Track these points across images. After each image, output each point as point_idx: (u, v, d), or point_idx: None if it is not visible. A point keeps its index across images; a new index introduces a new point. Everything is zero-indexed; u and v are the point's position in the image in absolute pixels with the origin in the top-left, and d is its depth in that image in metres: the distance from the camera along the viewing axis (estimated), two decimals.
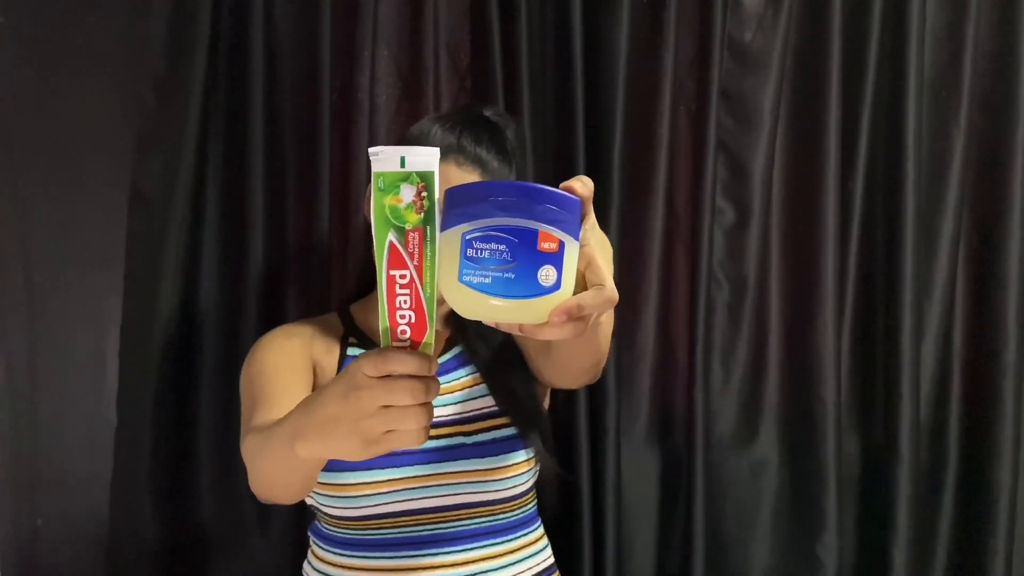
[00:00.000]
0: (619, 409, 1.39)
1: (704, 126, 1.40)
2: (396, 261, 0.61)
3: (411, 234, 0.61)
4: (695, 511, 1.40)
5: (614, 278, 0.65)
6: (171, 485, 1.32)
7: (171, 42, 1.29)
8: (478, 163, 1.02)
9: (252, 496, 1.29)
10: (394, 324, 0.62)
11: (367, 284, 1.17)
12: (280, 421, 0.78)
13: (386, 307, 0.62)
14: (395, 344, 0.63)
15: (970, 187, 1.50)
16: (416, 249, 0.61)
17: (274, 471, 0.84)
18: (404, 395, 0.61)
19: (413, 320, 0.62)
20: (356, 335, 1.10)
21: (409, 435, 0.64)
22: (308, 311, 1.31)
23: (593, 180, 1.42)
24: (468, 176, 1.01)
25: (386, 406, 0.62)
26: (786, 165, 1.48)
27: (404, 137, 1.09)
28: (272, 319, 1.32)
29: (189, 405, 1.33)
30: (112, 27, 1.32)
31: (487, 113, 1.10)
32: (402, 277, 0.61)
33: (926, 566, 1.51)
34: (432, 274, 0.62)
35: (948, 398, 1.52)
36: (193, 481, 1.33)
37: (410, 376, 0.62)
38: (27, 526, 1.34)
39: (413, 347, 0.63)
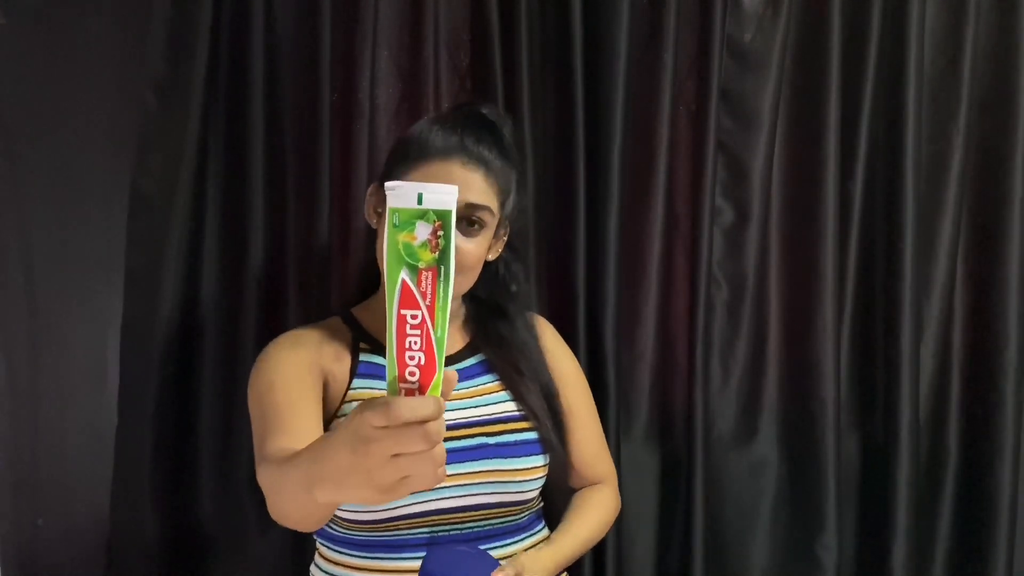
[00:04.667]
0: (619, 409, 1.39)
1: (704, 126, 1.40)
2: (408, 300, 0.60)
3: (424, 273, 0.60)
4: (695, 511, 1.40)
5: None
6: (171, 485, 1.31)
7: (171, 42, 1.28)
8: (481, 161, 1.03)
9: (252, 496, 1.31)
10: (403, 366, 0.60)
11: (368, 286, 1.17)
12: (293, 462, 0.76)
13: (395, 347, 0.60)
14: (403, 387, 0.61)
15: (970, 187, 1.50)
16: (429, 288, 0.60)
17: (293, 509, 0.83)
18: (415, 442, 0.59)
19: (422, 362, 0.60)
20: (366, 340, 1.10)
21: (425, 478, 0.62)
22: (308, 310, 1.31)
23: (593, 180, 1.43)
24: (472, 175, 1.02)
25: (397, 455, 0.61)
26: (786, 165, 1.48)
27: (403, 138, 1.10)
28: (273, 319, 1.32)
29: (189, 405, 1.33)
30: (112, 27, 1.32)
31: (484, 112, 1.10)
32: (413, 317, 0.60)
33: (926, 565, 1.51)
34: (444, 315, 0.60)
35: (947, 397, 1.52)
36: (193, 481, 1.33)
37: (419, 423, 0.59)
38: (27, 526, 1.34)
39: (421, 390, 0.61)
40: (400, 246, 0.60)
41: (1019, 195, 1.46)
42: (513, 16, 1.35)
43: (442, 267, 0.60)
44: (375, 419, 0.59)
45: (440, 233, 0.60)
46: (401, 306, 0.60)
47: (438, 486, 1.00)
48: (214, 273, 1.34)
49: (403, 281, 0.60)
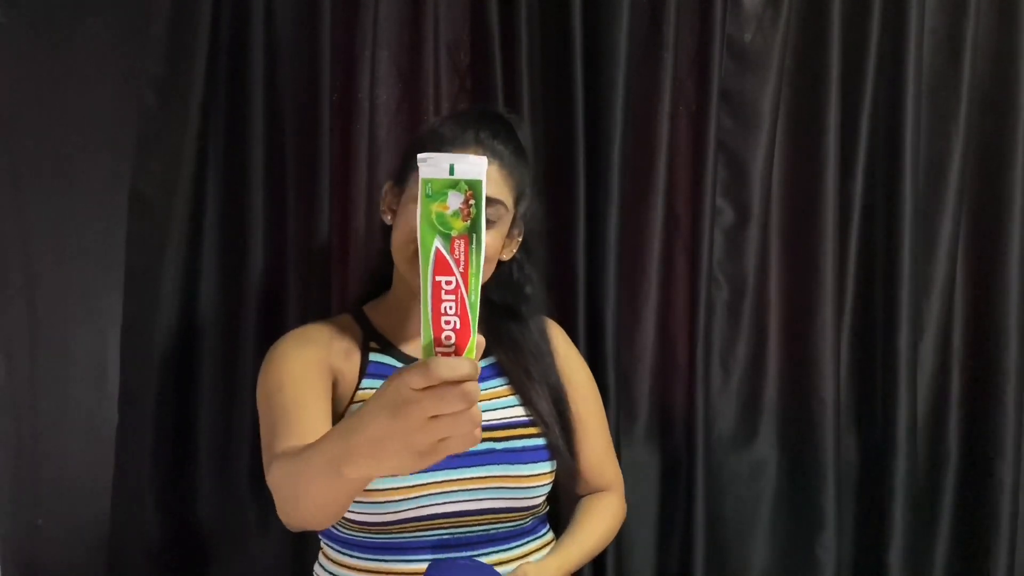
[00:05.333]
0: (619, 409, 1.39)
1: (704, 126, 1.40)
2: (442, 267, 0.62)
3: (457, 241, 0.62)
4: (695, 511, 1.40)
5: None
6: (171, 485, 1.32)
7: (171, 42, 1.29)
8: (496, 155, 1.03)
9: (252, 496, 1.31)
10: (438, 331, 0.62)
11: (379, 284, 1.17)
12: (317, 447, 0.75)
13: (430, 313, 0.62)
14: (439, 351, 0.62)
15: (970, 187, 1.50)
16: (462, 256, 0.62)
17: (316, 497, 0.81)
18: (455, 402, 0.60)
19: (458, 326, 0.62)
20: (376, 339, 1.10)
21: (464, 439, 0.63)
22: (308, 310, 1.31)
23: (593, 180, 1.43)
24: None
25: (434, 416, 0.61)
26: (786, 165, 1.48)
27: (420, 133, 1.10)
28: (273, 319, 1.32)
29: (189, 405, 1.33)
30: (112, 27, 1.32)
31: (501, 111, 1.13)
32: (448, 283, 0.62)
33: (925, 565, 1.51)
34: (477, 281, 0.62)
35: (948, 397, 1.52)
36: (193, 481, 1.33)
37: (457, 382, 0.60)
38: (27, 526, 1.34)
39: (457, 353, 0.62)
40: (433, 215, 0.62)
41: (1019, 195, 1.45)
42: (513, 16, 1.35)
43: (474, 235, 0.62)
44: (414, 380, 0.60)
45: (471, 202, 0.62)
46: (436, 273, 0.62)
47: (444, 490, 1.01)
48: (214, 273, 1.34)
49: (437, 249, 0.62)
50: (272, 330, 1.24)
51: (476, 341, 0.63)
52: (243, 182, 1.32)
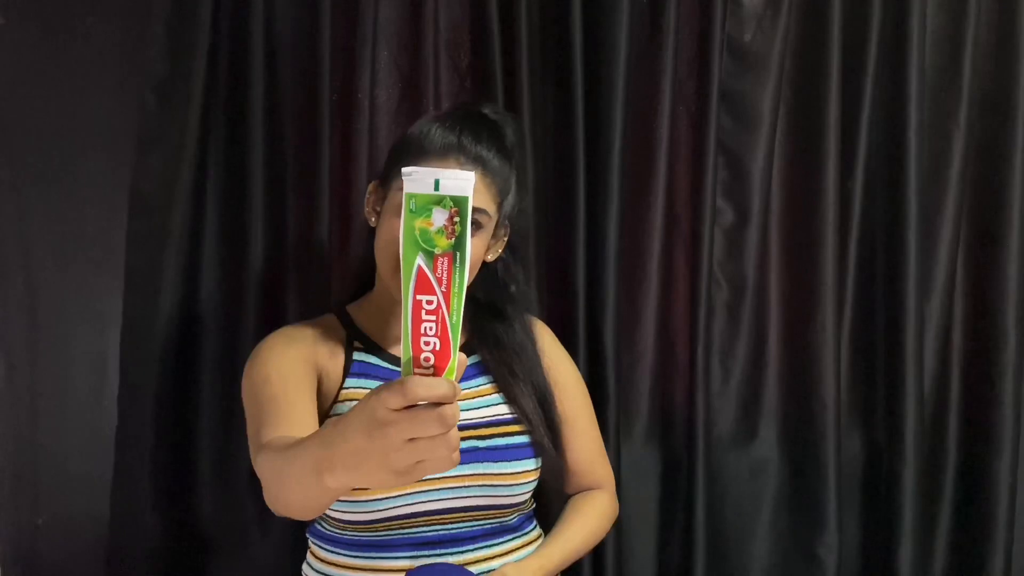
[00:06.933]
0: (619, 409, 1.39)
1: (704, 126, 1.40)
2: (424, 286, 0.60)
3: (440, 259, 0.60)
4: (695, 511, 1.40)
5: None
6: (171, 485, 1.32)
7: (171, 42, 1.28)
8: (478, 161, 1.02)
9: (252, 496, 1.31)
10: (417, 351, 0.60)
11: (363, 285, 1.17)
12: (300, 448, 0.74)
13: (410, 332, 0.60)
14: (418, 372, 0.60)
15: (970, 187, 1.50)
16: (445, 274, 0.60)
17: (297, 496, 0.80)
18: (431, 425, 0.59)
19: (437, 347, 0.60)
20: (360, 339, 1.11)
21: (440, 462, 0.62)
22: (308, 311, 1.31)
23: (593, 180, 1.43)
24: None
25: (412, 438, 0.60)
26: (786, 165, 1.48)
27: (404, 136, 1.09)
28: (272, 318, 1.32)
29: (189, 405, 1.33)
30: (112, 27, 1.32)
31: (486, 111, 1.11)
32: (429, 303, 0.60)
33: (926, 565, 1.51)
34: (459, 301, 0.61)
35: (947, 397, 1.52)
36: (193, 481, 1.33)
37: (434, 404, 0.59)
38: (27, 526, 1.34)
39: (436, 375, 0.61)
40: (417, 232, 0.60)
41: (1019, 195, 1.46)
42: (513, 16, 1.35)
43: (458, 253, 0.60)
44: (391, 400, 0.59)
45: (456, 219, 0.60)
46: (417, 291, 0.60)
47: (428, 488, 1.01)
48: (214, 273, 1.34)
49: (419, 267, 0.60)
50: (272, 330, 1.23)
51: (457, 362, 0.61)
52: (243, 182, 1.32)
